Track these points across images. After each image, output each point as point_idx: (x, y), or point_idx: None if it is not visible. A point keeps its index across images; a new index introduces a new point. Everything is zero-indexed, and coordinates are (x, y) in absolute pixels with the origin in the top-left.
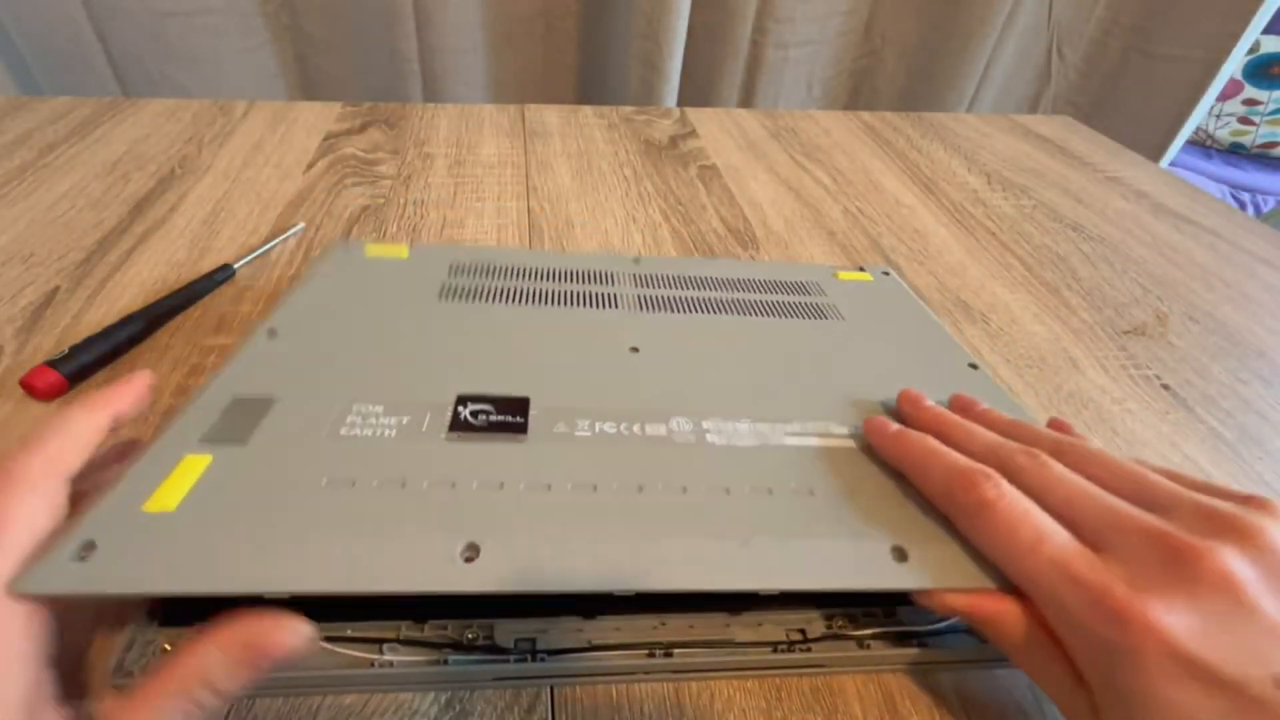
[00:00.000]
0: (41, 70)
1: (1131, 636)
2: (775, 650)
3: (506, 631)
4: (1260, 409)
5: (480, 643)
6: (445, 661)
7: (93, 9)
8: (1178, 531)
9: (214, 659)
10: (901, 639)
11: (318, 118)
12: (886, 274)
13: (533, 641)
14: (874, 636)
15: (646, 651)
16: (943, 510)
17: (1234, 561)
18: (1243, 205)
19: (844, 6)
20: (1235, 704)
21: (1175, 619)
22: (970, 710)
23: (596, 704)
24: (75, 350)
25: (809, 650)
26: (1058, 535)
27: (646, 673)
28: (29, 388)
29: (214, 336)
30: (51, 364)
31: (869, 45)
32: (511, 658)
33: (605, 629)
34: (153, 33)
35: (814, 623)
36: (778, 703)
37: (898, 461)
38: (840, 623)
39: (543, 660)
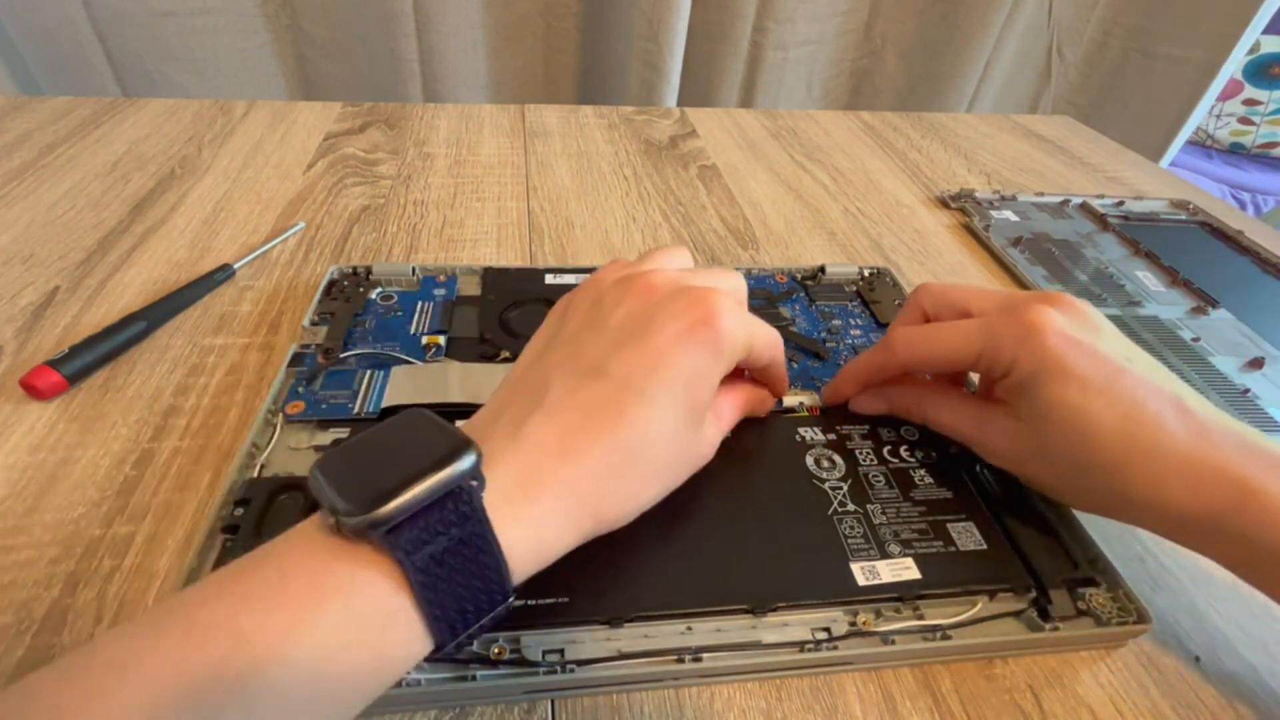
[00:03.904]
0: (41, 70)
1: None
2: (802, 650)
3: (534, 644)
4: None
5: (508, 657)
6: (473, 678)
7: (93, 9)
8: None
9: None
10: (925, 633)
11: (318, 118)
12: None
13: (561, 653)
14: (898, 632)
15: (675, 657)
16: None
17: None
18: (1243, 205)
19: (844, 7)
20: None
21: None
22: (970, 710)
23: (597, 705)
24: (75, 350)
25: (835, 648)
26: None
27: (676, 679)
28: (29, 388)
29: (214, 336)
30: (51, 364)
31: (869, 45)
32: (541, 670)
33: (634, 636)
34: (152, 33)
35: (838, 621)
36: (778, 703)
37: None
38: (864, 619)
39: (572, 671)
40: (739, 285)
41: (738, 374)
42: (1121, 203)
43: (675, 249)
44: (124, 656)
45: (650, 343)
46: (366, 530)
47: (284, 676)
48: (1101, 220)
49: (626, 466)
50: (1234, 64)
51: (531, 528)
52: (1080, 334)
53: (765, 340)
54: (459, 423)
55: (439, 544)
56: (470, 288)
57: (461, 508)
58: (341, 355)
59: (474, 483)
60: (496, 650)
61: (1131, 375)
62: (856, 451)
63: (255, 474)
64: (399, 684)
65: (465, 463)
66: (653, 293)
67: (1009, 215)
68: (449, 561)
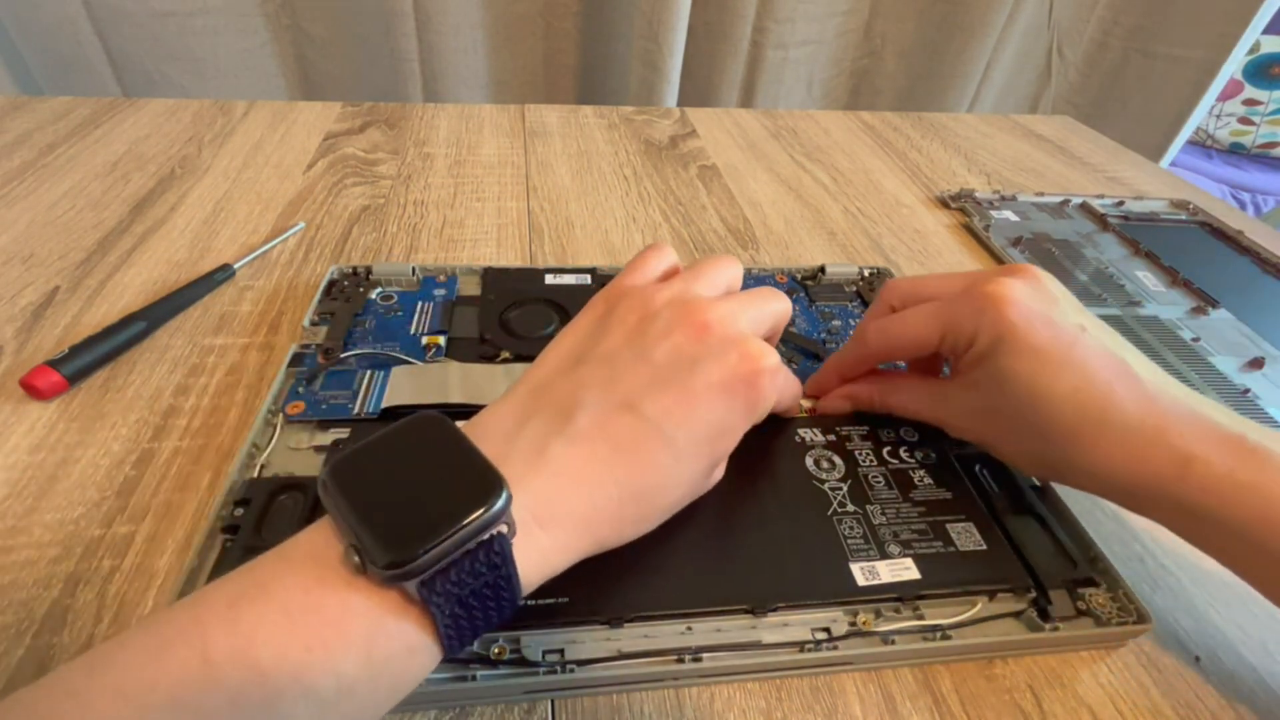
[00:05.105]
0: (41, 70)
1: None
2: (802, 650)
3: (534, 644)
4: None
5: (508, 657)
6: (473, 678)
7: (93, 9)
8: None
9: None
10: (925, 633)
11: (318, 118)
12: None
13: (561, 653)
14: (898, 632)
15: (675, 657)
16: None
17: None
18: (1243, 205)
19: (844, 6)
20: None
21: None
22: (970, 710)
23: (597, 705)
24: (75, 350)
25: (835, 648)
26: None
27: (676, 679)
28: (29, 388)
29: (214, 336)
30: (51, 364)
31: (869, 45)
32: (541, 670)
33: (634, 636)
34: (152, 33)
35: (838, 621)
36: (778, 703)
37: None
38: (864, 619)
39: (572, 671)
40: (785, 310)
41: None
42: (1121, 203)
43: (728, 263)
44: (133, 683)
45: (690, 388)
46: (398, 580)
47: (304, 713)
48: (1101, 220)
49: (638, 504)
50: (1234, 64)
51: (541, 555)
52: (1038, 304)
53: (789, 395)
54: (470, 420)
55: (466, 589)
56: (470, 288)
57: (493, 558)
58: (341, 355)
59: (504, 529)
60: (496, 650)
61: (1085, 345)
62: (856, 452)
63: (255, 474)
64: None
65: (497, 505)
66: (705, 334)
67: (1009, 215)
68: (472, 602)
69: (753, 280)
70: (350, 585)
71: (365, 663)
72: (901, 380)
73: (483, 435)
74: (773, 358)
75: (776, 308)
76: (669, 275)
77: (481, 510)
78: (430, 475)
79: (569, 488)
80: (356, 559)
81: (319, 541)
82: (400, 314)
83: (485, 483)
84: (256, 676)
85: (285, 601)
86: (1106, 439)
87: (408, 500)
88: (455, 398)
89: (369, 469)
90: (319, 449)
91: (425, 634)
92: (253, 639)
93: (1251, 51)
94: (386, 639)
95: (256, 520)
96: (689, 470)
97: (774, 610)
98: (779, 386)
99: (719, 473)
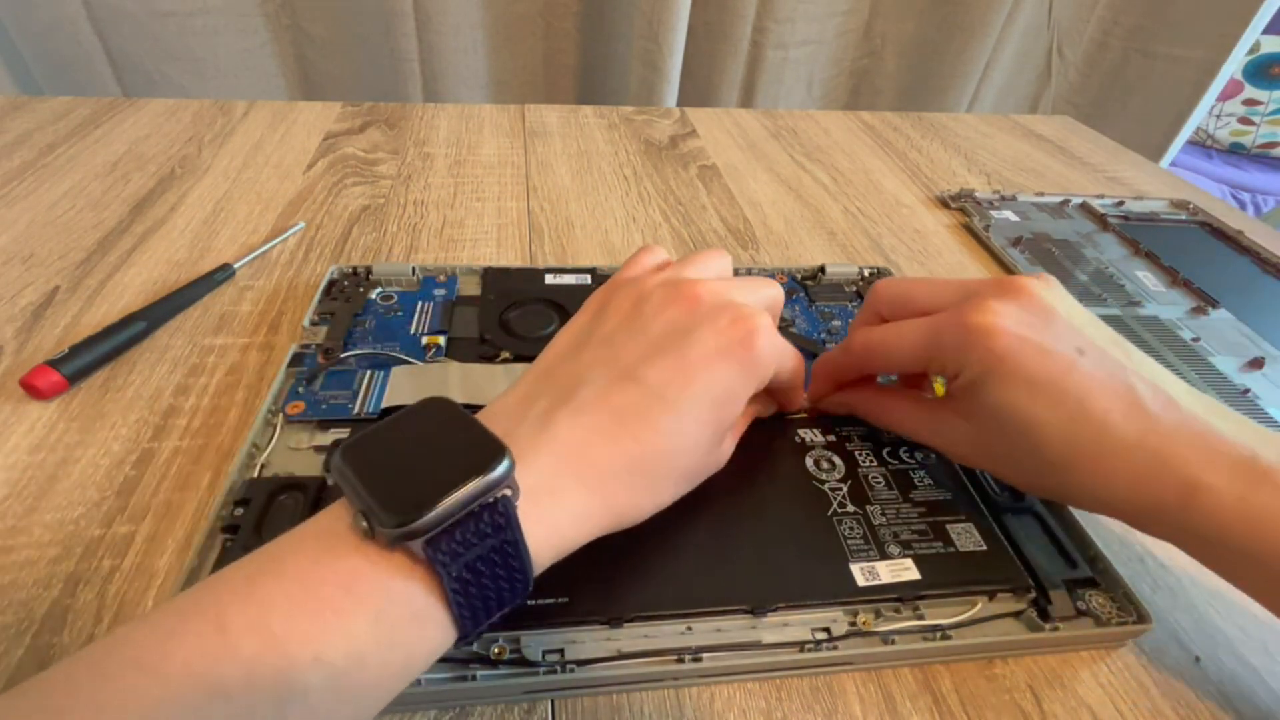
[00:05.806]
0: (41, 70)
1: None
2: (802, 650)
3: (534, 644)
4: None
5: (508, 657)
6: (473, 678)
7: (93, 9)
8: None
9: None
10: (925, 633)
11: (318, 118)
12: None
13: (561, 653)
14: (898, 632)
15: (675, 657)
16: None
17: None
18: (1243, 205)
19: (844, 6)
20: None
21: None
22: (970, 710)
23: (597, 705)
24: (75, 350)
25: (835, 648)
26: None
27: (676, 679)
28: (29, 388)
29: (214, 336)
30: (51, 364)
31: (869, 45)
32: (541, 670)
33: (634, 636)
34: (152, 33)
35: (838, 621)
36: (778, 703)
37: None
38: (864, 619)
39: (572, 671)
40: (778, 296)
41: None
42: (1121, 203)
43: (717, 254)
44: (150, 655)
45: (688, 355)
46: (403, 539)
47: (317, 679)
48: (1101, 220)
49: (647, 472)
50: (1234, 64)
51: (553, 526)
52: (1029, 329)
53: (792, 365)
54: (481, 410)
55: (473, 553)
56: (470, 288)
57: (497, 519)
58: (341, 355)
59: (508, 491)
60: (496, 650)
61: (1080, 370)
62: (856, 453)
63: (255, 474)
64: None
65: (500, 469)
66: (698, 304)
67: (1009, 215)
68: (480, 567)
69: None
70: (359, 550)
71: (375, 627)
72: (897, 401)
73: (491, 419)
74: (765, 318)
75: (767, 293)
76: (661, 269)
77: (483, 474)
78: (435, 448)
79: (576, 457)
80: (365, 523)
81: (329, 520)
82: (400, 314)
83: (487, 450)
84: (270, 642)
85: (298, 573)
86: (1105, 465)
87: (414, 470)
88: (455, 397)
89: (378, 447)
90: (319, 449)
91: (433, 598)
92: (266, 608)
93: (1251, 51)
94: (396, 605)
95: (256, 520)
96: (694, 436)
97: (774, 610)
98: (778, 348)
99: (728, 446)
